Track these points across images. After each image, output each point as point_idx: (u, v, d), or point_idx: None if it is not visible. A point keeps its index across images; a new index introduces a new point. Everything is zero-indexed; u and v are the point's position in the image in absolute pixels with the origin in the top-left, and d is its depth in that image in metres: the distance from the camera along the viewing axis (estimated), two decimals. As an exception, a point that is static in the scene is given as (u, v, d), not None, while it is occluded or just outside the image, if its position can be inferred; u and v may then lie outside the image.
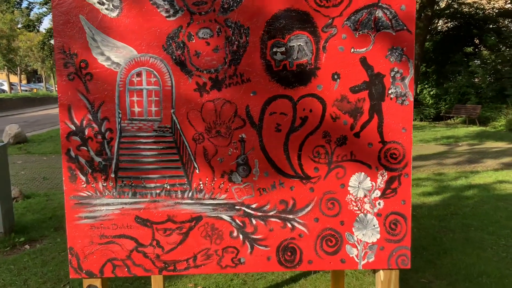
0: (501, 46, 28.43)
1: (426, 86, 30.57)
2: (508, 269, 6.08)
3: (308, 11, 2.53)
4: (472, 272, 5.97)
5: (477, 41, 28.14)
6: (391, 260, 2.70)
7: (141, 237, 2.64)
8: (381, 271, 2.76)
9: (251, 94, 2.58)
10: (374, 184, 2.66)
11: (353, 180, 2.66)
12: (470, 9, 32.14)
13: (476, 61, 27.15)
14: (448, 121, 26.52)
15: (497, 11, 30.95)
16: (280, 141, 2.62)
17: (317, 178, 2.65)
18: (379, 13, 2.53)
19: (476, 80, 26.51)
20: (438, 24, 32.82)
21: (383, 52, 2.56)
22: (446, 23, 32.34)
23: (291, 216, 2.67)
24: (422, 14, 26.96)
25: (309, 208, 2.67)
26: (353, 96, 2.59)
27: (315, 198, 2.67)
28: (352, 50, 2.56)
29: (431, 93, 30.04)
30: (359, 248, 2.69)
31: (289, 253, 2.69)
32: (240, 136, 2.60)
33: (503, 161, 14.47)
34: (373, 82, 2.58)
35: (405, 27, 2.54)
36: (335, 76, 2.58)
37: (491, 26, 30.47)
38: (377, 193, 2.66)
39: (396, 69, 2.58)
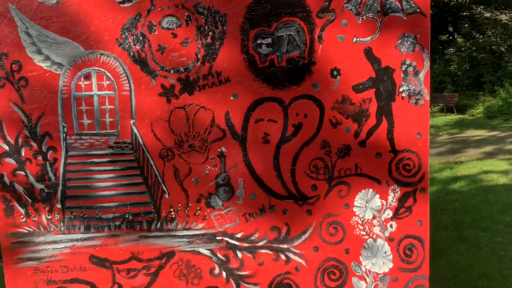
0: (474, 34, 28.46)
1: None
2: (509, 269, 5.69)
3: (299, -8, 2.02)
4: (471, 275, 5.56)
5: (451, 29, 28.04)
6: (406, 292, 2.23)
7: (99, 281, 2.11)
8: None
9: (231, 98, 2.06)
10: (384, 202, 2.18)
11: (359, 199, 2.17)
12: (444, -3, 32.07)
13: (451, 49, 27.09)
14: (426, 110, 26.37)
15: (470, -2, 30.95)
16: (269, 154, 2.11)
17: (316, 198, 2.16)
18: (386, -7, 2.04)
19: (452, 68, 26.44)
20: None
21: (392, 41, 2.08)
22: (420, 11, 32.14)
23: (285, 246, 2.17)
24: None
25: (306, 235, 2.18)
26: (357, 96, 2.10)
27: (314, 223, 2.17)
28: (355, 39, 2.07)
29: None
30: (368, 280, 2.21)
31: (284, 291, 2.19)
32: (219, 150, 2.09)
33: (485, 150, 14.26)
34: (381, 78, 2.10)
35: (418, 9, 2.05)
36: (335, 73, 2.08)
37: (465, 13, 30.47)
38: (389, 213, 2.18)
39: (408, 62, 2.09)
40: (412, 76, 2.11)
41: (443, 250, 6.41)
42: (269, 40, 2.05)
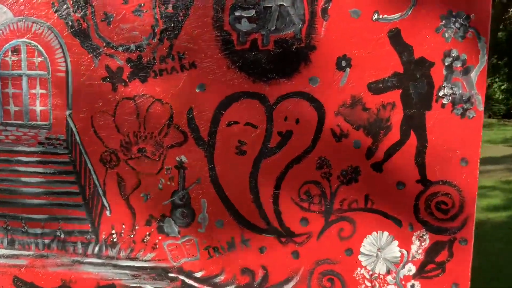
0: None
1: (497, 80, 28.08)
2: None
3: None
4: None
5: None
6: None
7: (23, 310, 1.66)
8: None
9: (197, 90, 1.52)
10: (405, 253, 1.52)
11: (369, 245, 1.54)
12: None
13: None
14: (521, 119, 24.02)
15: None
16: (244, 170, 1.54)
17: (306, 236, 1.56)
18: (426, -51, 1.37)
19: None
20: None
21: (432, 22, 1.41)
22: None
23: (260, 296, 1.59)
24: (495, 1, 24.49)
25: (290, 286, 1.58)
26: (374, 99, 1.47)
27: (302, 270, 1.57)
28: (376, 16, 1.43)
29: (502, 87, 27.56)
30: None
31: None
32: (177, 159, 1.55)
33: None
34: (412, 75, 1.44)
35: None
36: (343, 63, 1.46)
37: None
38: (410, 268, 1.53)
39: (454, 53, 1.42)
40: (460, 75, 1.44)
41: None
42: (252, 12, 1.47)
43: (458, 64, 1.43)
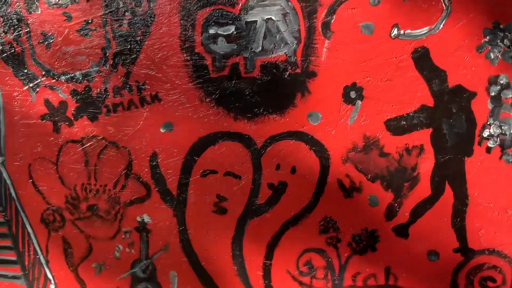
0: None
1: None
2: None
3: None
4: None
5: None
6: None
7: None
8: None
9: (162, 130, 1.17)
10: None
11: (391, 333, 1.15)
12: None
13: None
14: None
15: None
16: (225, 233, 1.17)
17: (308, 321, 1.18)
18: None
19: None
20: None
21: (471, 38, 1.04)
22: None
23: None
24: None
25: None
26: (396, 141, 1.10)
27: None
28: (395, 32, 1.08)
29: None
30: None
31: None
32: (139, 219, 1.19)
33: None
34: (446, 108, 1.08)
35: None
36: (352, 94, 1.10)
37: None
38: None
39: (503, 80, 1.06)
40: (511, 109, 1.06)
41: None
42: (232, 29, 1.12)
43: (508, 95, 1.06)
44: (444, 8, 1.06)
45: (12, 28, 1.19)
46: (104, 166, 1.21)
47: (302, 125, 1.14)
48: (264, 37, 1.12)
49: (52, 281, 1.26)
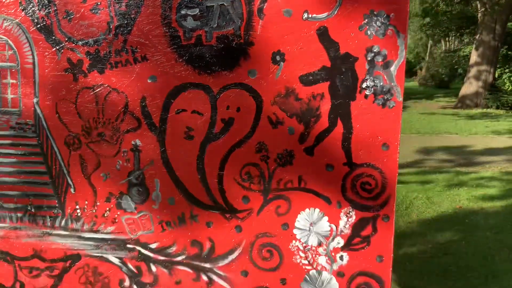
0: None
1: (507, 70, 27.82)
2: None
3: (235, -48, 1.58)
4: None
5: None
6: None
7: (0, 276, 1.87)
8: None
9: (149, 81, 1.69)
10: (334, 227, 1.71)
11: (302, 220, 1.72)
12: None
13: None
14: (531, 110, 23.90)
15: None
16: (192, 153, 1.72)
17: (247, 212, 1.74)
18: (350, -45, 1.53)
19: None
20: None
21: (355, 21, 1.57)
22: (537, 0, 29.05)
23: (207, 265, 1.78)
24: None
25: (234, 256, 1.77)
26: (306, 90, 1.64)
27: (244, 242, 1.76)
28: (306, 15, 1.60)
29: (512, 78, 27.28)
30: (308, 321, 1.76)
31: (203, 318, 1.81)
32: (133, 142, 1.73)
33: None
34: (338, 68, 1.61)
35: (393, -20, 1.52)
36: (278, 58, 1.63)
37: None
38: (339, 241, 1.71)
39: (376, 49, 1.58)
40: (381, 69, 1.60)
41: (498, 273, 5.63)
42: (197, 11, 1.64)
43: (379, 59, 1.60)
44: (336, 3, 1.59)
45: (44, 7, 1.70)
46: (109, 106, 1.74)
47: (244, 79, 1.68)
48: (219, 17, 1.65)
49: (72, 186, 1.81)
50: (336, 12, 1.59)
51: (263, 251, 1.76)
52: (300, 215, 1.72)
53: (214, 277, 1.79)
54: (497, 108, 25.08)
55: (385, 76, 1.60)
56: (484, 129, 18.04)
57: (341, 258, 1.73)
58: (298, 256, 1.75)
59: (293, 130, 1.67)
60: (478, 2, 25.02)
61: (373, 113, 1.63)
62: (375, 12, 1.58)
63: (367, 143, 1.65)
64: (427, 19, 33.44)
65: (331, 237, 1.72)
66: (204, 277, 1.80)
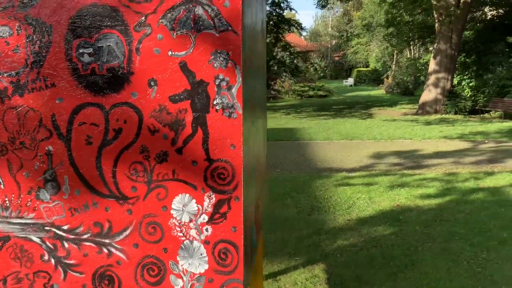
0: (549, 36, 26.54)
1: (465, 77, 29.08)
2: (475, 287, 5.53)
3: (117, 7, 2.18)
4: (430, 290, 5.44)
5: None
6: (222, 294, 2.34)
7: None
8: (216, 305, 2.41)
9: (57, 101, 2.26)
10: (200, 207, 2.29)
11: (177, 202, 2.30)
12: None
13: (520, 51, 25.44)
14: (486, 115, 25.11)
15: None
16: (91, 155, 2.30)
17: (135, 198, 2.32)
18: (199, 10, 2.14)
19: (518, 72, 24.85)
20: (482, 12, 31.01)
21: (205, 56, 2.18)
22: (491, 10, 30.52)
23: (107, 241, 2.35)
24: (460, 2, 25.55)
25: (127, 232, 2.34)
26: (174, 106, 2.23)
27: (134, 221, 2.34)
28: (170, 53, 2.19)
29: (470, 84, 28.55)
30: (185, 279, 2.34)
31: (106, 281, 2.37)
32: (46, 148, 2.30)
33: (527, 162, 13.44)
34: (196, 90, 2.21)
35: (230, 28, 2.14)
36: (152, 83, 2.22)
37: (540, 14, 28.47)
38: (204, 218, 2.30)
39: (221, 77, 2.19)
40: (226, 90, 2.21)
41: (418, 261, 6.28)
42: (91, 50, 2.22)
43: (224, 84, 2.21)
44: (192, 42, 2.20)
45: (-24, 48, 2.27)
46: (28, 120, 2.31)
47: (128, 99, 2.27)
48: (107, 54, 2.24)
49: (2, 183, 2.37)
50: (191, 50, 2.20)
51: (148, 228, 2.34)
52: (175, 199, 2.31)
53: (113, 250, 2.36)
54: (455, 113, 26.19)
55: (229, 96, 2.21)
56: (437, 133, 18.90)
57: (207, 230, 2.32)
58: (175, 230, 2.33)
59: (166, 136, 2.27)
60: (435, 12, 26.24)
61: (223, 122, 2.23)
62: (218, 51, 2.19)
63: (220, 144, 2.25)
64: (390, 29, 34.67)
65: (198, 215, 2.31)
66: (105, 250, 2.37)
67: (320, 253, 6.46)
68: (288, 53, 29.37)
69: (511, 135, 17.85)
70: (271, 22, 28.93)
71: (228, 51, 2.17)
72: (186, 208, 2.30)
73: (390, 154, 14.36)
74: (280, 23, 29.88)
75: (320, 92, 43.90)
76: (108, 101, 2.25)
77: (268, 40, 30.63)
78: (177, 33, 2.17)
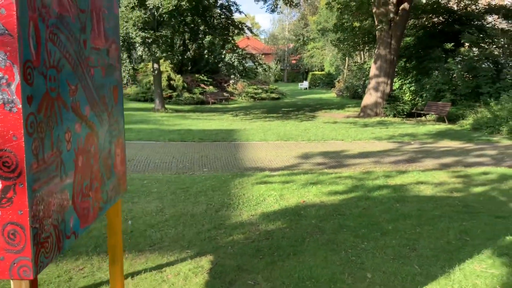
0: (482, 44, 28.01)
1: (406, 81, 30.32)
2: (344, 273, 5.98)
3: None
4: (303, 276, 5.89)
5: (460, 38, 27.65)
6: (12, 270, 2.62)
7: None
8: (11, 281, 2.69)
9: None
10: (-6, 193, 2.58)
11: (-24, 191, 2.58)
12: (459, 5, 31.65)
13: (457, 58, 26.76)
14: (422, 118, 26.26)
15: (485, 7, 30.43)
16: None
17: None
18: (-21, 16, 2.43)
19: (454, 77, 26.15)
20: (426, 18, 32.37)
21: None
22: (431, 18, 31.92)
23: None
24: (399, 10, 26.66)
25: None
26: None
27: None
28: None
29: (411, 88, 29.77)
30: (-22, 257, 2.62)
31: None
32: None
33: (443, 161, 14.34)
34: (-16, 87, 2.49)
35: (6, 31, 2.43)
36: None
37: (475, 23, 30.00)
38: (-9, 201, 2.58)
39: (1, 75, 2.48)
40: (6, 87, 2.50)
41: (300, 251, 6.69)
42: None
43: (3, 81, 2.49)
44: None
45: None
46: None
47: None
48: None
49: None
50: None
51: None
52: (-33, 185, 2.59)
53: None
54: (394, 116, 27.24)
55: (9, 92, 2.51)
56: (369, 135, 19.66)
57: (-6, 213, 2.61)
58: (-32, 213, 2.61)
59: None
60: (375, 19, 27.24)
61: (6, 116, 2.52)
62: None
63: (4, 135, 2.54)
64: (337, 35, 35.67)
65: (-11, 199, 2.60)
66: None
67: (213, 246, 6.78)
68: (236, 55, 29.77)
69: (437, 137, 18.79)
70: (219, 25, 29.32)
71: (6, 52, 2.47)
72: (-19, 195, 2.58)
73: (317, 155, 14.91)
74: (230, 25, 30.25)
75: (273, 95, 44.66)
76: None
77: (215, 42, 31.03)
78: (-40, 36, 2.45)
